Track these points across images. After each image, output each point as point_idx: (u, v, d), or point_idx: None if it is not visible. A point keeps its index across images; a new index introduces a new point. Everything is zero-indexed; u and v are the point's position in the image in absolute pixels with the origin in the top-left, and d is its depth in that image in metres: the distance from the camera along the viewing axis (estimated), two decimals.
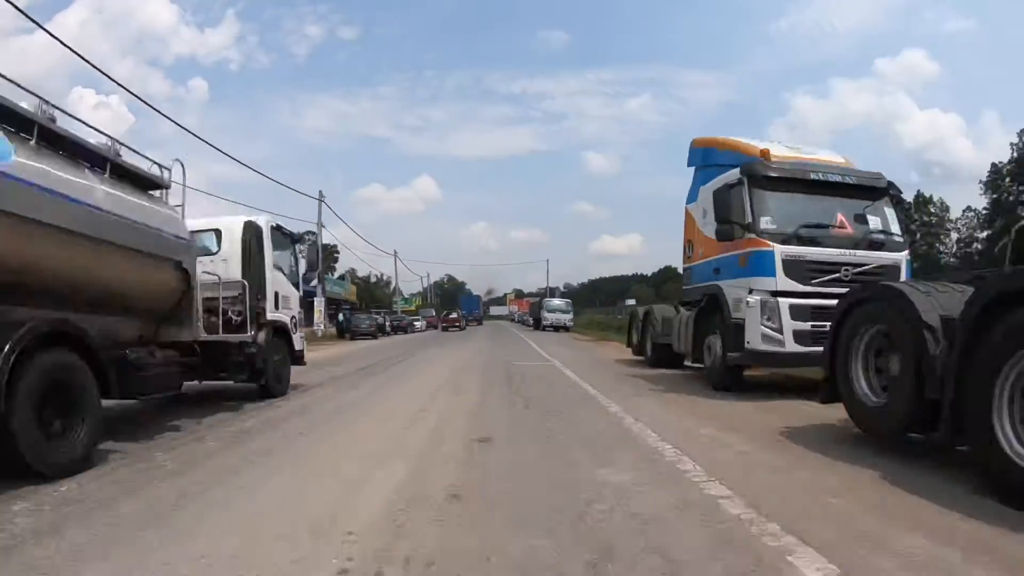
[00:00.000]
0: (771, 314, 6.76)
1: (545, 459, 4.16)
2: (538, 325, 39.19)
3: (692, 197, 9.02)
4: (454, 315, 48.43)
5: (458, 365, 12.35)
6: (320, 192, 31.41)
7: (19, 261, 3.89)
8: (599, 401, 6.95)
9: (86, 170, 4.81)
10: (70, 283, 4.42)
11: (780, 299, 6.77)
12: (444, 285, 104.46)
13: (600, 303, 66.10)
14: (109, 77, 54.35)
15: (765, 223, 7.02)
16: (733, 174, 7.40)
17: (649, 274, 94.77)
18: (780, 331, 6.73)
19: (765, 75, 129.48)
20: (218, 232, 7.26)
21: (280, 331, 7.68)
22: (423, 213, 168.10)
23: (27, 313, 3.93)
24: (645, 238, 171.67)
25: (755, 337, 6.81)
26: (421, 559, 2.37)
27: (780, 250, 6.83)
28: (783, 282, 6.81)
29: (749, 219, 7.07)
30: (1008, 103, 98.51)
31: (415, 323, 43.46)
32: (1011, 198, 46.97)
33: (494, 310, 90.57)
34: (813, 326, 6.55)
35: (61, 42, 11.53)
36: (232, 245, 7.18)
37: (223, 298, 6.51)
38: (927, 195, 55.78)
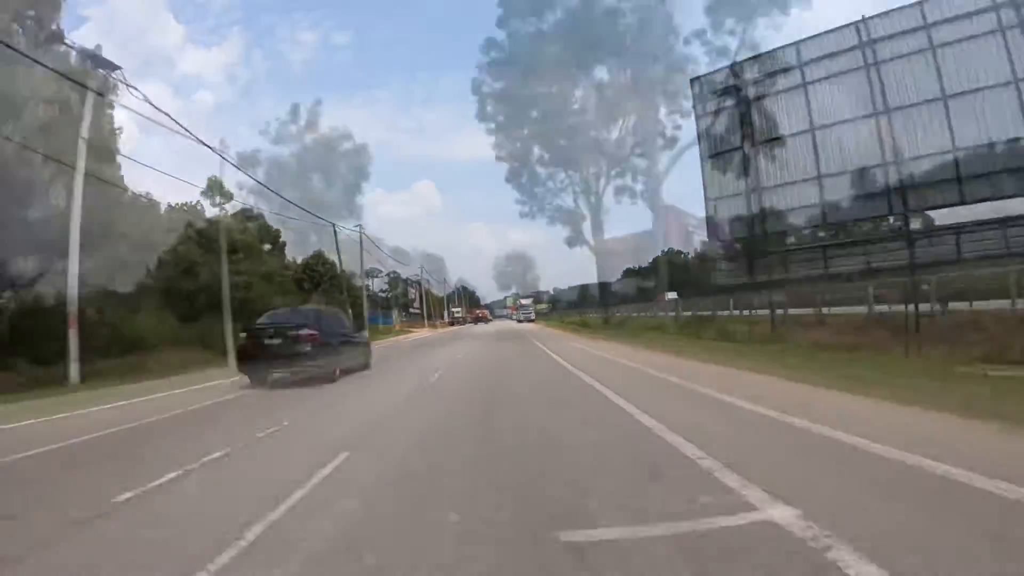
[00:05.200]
0: (518, 315, 64.76)
1: (506, 325, 62.18)
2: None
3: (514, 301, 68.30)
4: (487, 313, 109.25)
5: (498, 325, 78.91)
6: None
7: None
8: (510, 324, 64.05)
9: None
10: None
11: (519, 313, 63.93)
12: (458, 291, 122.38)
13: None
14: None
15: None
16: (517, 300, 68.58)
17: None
18: (518, 316, 65.12)
19: None
20: None
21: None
22: (422, 215, 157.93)
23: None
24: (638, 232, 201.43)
25: (518, 317, 63.56)
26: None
27: (519, 310, 64.95)
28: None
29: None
30: None
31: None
32: None
33: (497, 311, 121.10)
34: (523, 316, 61.48)
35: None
36: None
37: None
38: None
